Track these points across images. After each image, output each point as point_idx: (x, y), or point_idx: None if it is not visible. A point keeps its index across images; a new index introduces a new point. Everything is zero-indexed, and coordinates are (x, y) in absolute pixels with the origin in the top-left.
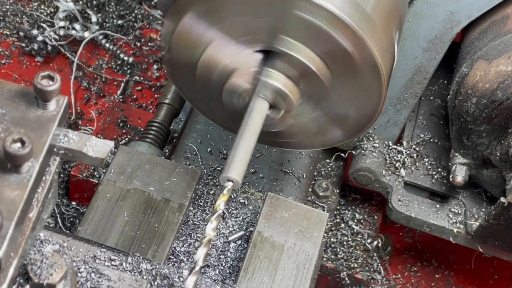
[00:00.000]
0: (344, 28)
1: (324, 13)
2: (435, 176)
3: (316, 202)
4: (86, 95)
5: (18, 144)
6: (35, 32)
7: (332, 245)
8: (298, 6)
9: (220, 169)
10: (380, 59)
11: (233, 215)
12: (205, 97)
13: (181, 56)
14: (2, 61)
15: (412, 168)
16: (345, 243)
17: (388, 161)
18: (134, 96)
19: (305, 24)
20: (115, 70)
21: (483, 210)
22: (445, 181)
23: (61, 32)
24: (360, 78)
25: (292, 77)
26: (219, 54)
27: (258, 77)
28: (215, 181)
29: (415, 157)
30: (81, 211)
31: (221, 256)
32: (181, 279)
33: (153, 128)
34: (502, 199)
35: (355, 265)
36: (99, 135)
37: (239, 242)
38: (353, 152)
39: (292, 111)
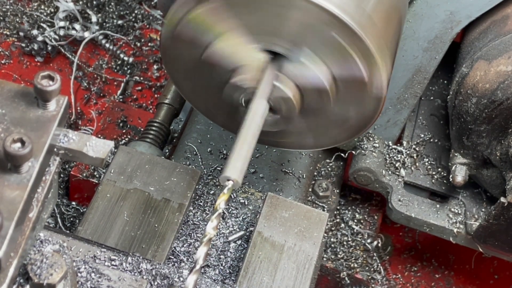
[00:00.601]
0: (342, 27)
1: (322, 12)
2: (435, 176)
3: (316, 202)
4: (86, 95)
5: (18, 144)
6: (35, 32)
7: (332, 245)
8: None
9: (220, 169)
10: (380, 59)
11: (233, 215)
12: (205, 96)
13: (181, 53)
14: (2, 61)
15: (412, 168)
16: (345, 243)
17: (388, 161)
18: (134, 96)
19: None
20: (115, 70)
21: (483, 210)
22: (445, 181)
23: (61, 32)
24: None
25: (301, 88)
26: (231, 47)
27: (269, 79)
28: (215, 181)
29: (415, 157)
30: (81, 211)
31: (221, 256)
32: (181, 279)
33: (153, 128)
34: (502, 199)
35: (355, 265)
36: (99, 135)
37: (239, 242)
38: (353, 152)
39: (290, 119)
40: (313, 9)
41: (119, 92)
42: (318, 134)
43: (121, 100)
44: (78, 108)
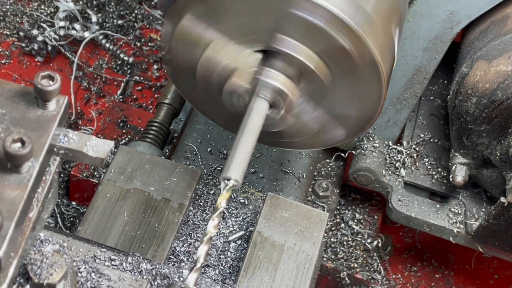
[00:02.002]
0: (344, 28)
1: (324, 12)
2: (435, 176)
3: (316, 202)
4: (86, 95)
5: (18, 144)
6: (35, 32)
7: (332, 245)
8: (297, 5)
9: (220, 169)
10: (380, 59)
11: (233, 215)
12: (205, 97)
13: (181, 57)
14: (2, 61)
15: (412, 168)
16: (345, 243)
17: (388, 161)
18: (134, 96)
19: (305, 23)
20: (115, 70)
21: (483, 210)
22: (445, 181)
23: (61, 32)
24: (360, 78)
25: (291, 76)
26: (219, 55)
27: (258, 77)
28: (215, 181)
29: (415, 157)
30: (81, 211)
31: (221, 256)
32: (181, 279)
33: (153, 128)
34: (502, 199)
35: (355, 265)
36: (99, 135)
37: (239, 242)
38: (353, 152)
39: (292, 110)
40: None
41: (119, 92)
42: (319, 134)
43: (121, 100)
44: (78, 108)
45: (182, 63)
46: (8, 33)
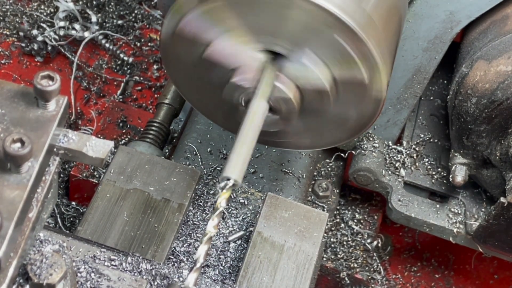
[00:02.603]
0: (344, 29)
1: (324, 13)
2: (435, 176)
3: (316, 202)
4: (86, 95)
5: (18, 144)
6: (35, 32)
7: (332, 245)
8: (297, 7)
9: (220, 169)
10: (381, 61)
11: (233, 215)
12: (204, 96)
13: (181, 52)
14: (2, 61)
15: (412, 168)
16: (345, 243)
17: (388, 161)
18: (134, 96)
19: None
20: (115, 70)
21: (483, 210)
22: (445, 181)
23: (61, 32)
24: (359, 78)
25: (301, 89)
26: (233, 46)
27: (269, 79)
28: (215, 181)
29: (415, 157)
30: (81, 211)
31: (221, 256)
32: (181, 279)
33: (153, 128)
34: (502, 199)
35: (355, 265)
36: (99, 135)
37: (239, 242)
38: (353, 152)
39: (290, 119)
40: (314, 9)
41: (119, 92)
42: (318, 134)
43: (121, 100)
44: (78, 108)
45: (182, 58)
46: (8, 33)
